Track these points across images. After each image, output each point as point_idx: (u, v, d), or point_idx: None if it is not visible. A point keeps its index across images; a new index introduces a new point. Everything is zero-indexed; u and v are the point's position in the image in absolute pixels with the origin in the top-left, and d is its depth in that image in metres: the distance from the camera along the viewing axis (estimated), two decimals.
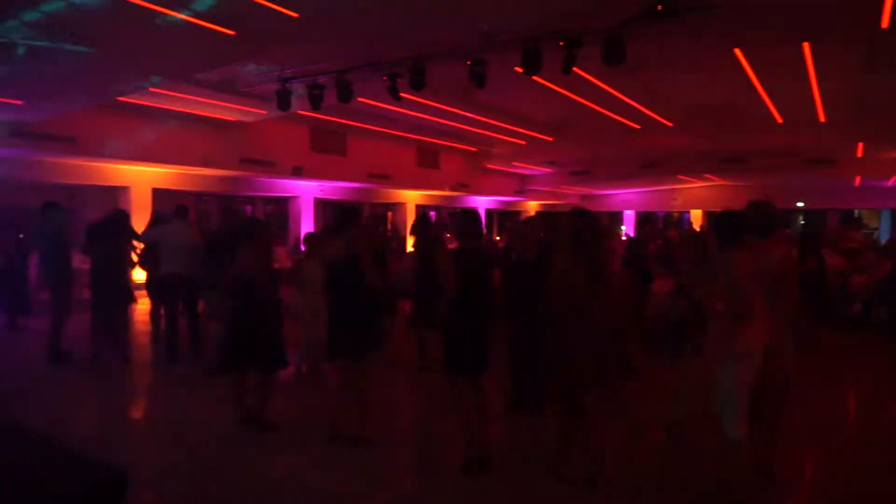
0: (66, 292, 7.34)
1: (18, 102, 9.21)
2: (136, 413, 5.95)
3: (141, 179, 13.45)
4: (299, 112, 11.13)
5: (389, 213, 20.93)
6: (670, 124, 13.49)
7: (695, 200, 23.56)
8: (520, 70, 7.30)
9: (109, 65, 7.33)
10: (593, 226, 3.89)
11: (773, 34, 7.41)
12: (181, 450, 4.65)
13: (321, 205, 18.00)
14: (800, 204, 21.73)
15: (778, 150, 15.54)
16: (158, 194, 13.55)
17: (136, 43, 6.67)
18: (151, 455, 4.57)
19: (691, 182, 21.77)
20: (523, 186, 23.03)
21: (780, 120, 12.47)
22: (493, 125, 13.88)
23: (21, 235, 9.92)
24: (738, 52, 8.43)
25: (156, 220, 8.24)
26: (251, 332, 4.80)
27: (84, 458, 2.88)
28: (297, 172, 14.81)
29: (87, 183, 12.95)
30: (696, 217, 23.46)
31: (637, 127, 13.79)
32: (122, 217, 7.79)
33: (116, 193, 13.39)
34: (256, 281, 4.81)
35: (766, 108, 11.58)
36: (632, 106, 11.97)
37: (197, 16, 5.82)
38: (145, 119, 11.73)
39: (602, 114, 12.62)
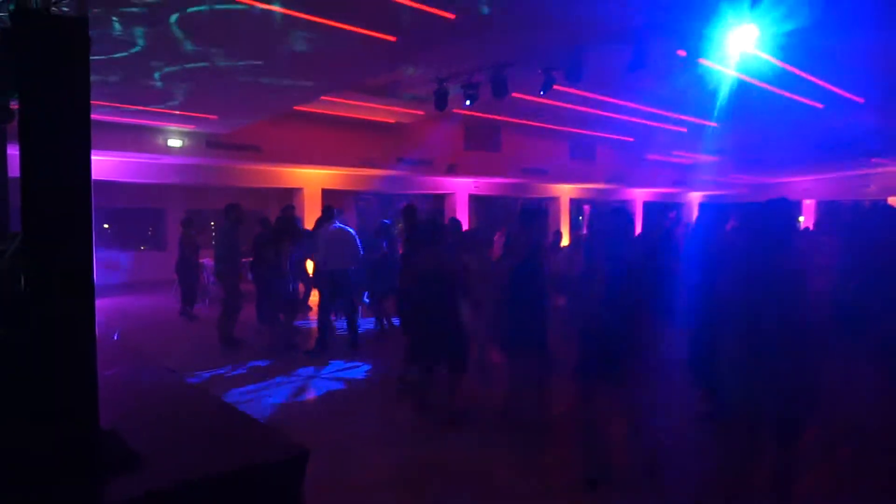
0: (236, 284, 8.21)
1: (213, 117, 10.47)
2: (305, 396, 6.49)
3: (312, 181, 14.67)
4: (454, 111, 11.43)
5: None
6: (861, 101, 11.91)
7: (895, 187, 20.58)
8: (683, 53, 6.88)
9: (288, 77, 8.07)
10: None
11: None
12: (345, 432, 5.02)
13: (475, 201, 18.33)
14: None
15: None
16: (327, 194, 14.69)
17: (311, 56, 7.26)
18: (315, 434, 4.94)
19: (890, 166, 19.04)
20: (685, 176, 21.64)
21: None
22: (652, 113, 13.20)
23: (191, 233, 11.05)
24: None
25: (322, 218, 8.83)
26: (432, 331, 5.06)
27: (273, 433, 3.22)
28: (452, 170, 15.23)
29: (268, 186, 14.42)
30: None
31: (819, 106, 12.36)
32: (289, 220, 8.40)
33: (292, 194, 14.77)
34: (435, 281, 5.02)
35: None
36: (813, 82, 10.75)
37: (362, 25, 6.21)
38: (317, 125, 12.75)
39: (775, 93, 11.47)
